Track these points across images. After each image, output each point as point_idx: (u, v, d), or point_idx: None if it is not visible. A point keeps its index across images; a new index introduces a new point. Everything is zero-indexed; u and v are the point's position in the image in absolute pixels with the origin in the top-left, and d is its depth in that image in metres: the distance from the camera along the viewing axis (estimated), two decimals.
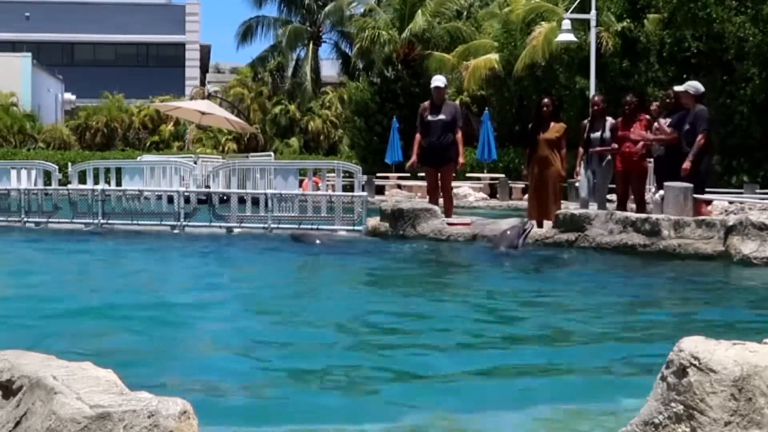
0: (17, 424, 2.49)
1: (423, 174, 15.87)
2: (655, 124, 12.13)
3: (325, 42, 46.57)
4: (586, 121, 12.92)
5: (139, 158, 22.49)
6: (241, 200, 14.20)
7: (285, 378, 4.71)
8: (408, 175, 26.62)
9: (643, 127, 12.13)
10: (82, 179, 15.39)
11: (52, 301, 7.02)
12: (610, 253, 10.16)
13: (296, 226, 13.35)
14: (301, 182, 15.66)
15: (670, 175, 11.24)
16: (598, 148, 12.32)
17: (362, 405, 4.16)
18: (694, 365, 2.41)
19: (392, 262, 10.42)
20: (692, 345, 2.47)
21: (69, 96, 51.49)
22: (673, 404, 2.44)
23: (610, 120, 12.47)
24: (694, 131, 11.28)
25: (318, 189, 16.46)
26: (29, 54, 45.13)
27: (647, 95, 19.86)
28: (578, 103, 23.74)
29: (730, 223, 9.46)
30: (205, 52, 59.01)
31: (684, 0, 21.12)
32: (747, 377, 2.38)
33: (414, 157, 12.59)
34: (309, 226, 13.31)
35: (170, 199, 14.39)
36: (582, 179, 12.61)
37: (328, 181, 18.12)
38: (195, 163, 20.54)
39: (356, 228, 13.18)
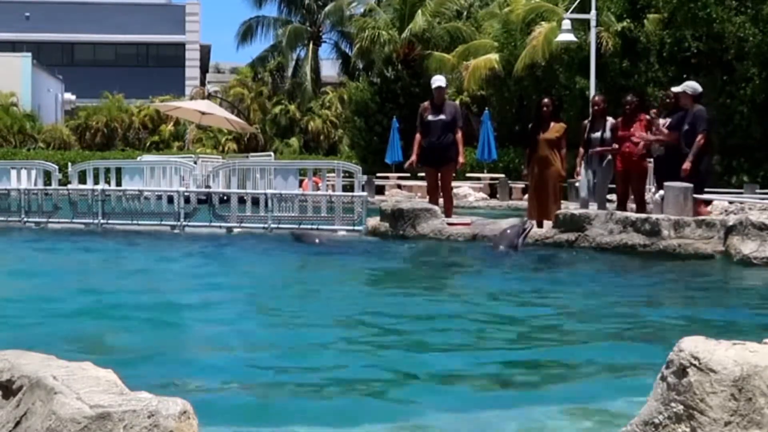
0: (17, 424, 2.49)
1: (423, 174, 15.88)
2: (655, 123, 12.13)
3: (325, 42, 46.61)
4: (586, 122, 12.93)
5: (139, 158, 22.49)
6: (241, 200, 14.21)
7: (285, 378, 4.71)
8: (408, 175, 26.62)
9: (642, 127, 12.13)
10: (82, 179, 15.40)
11: (52, 301, 7.03)
12: (610, 253, 10.16)
13: (296, 226, 13.35)
14: (301, 182, 15.66)
15: (670, 175, 11.24)
16: (599, 149, 12.32)
17: (362, 405, 4.16)
18: (694, 365, 2.41)
19: (392, 262, 10.42)
20: (692, 345, 2.47)
21: (69, 96, 51.49)
22: (673, 404, 2.44)
23: (610, 120, 12.47)
24: (694, 131, 11.28)
25: (318, 189, 16.46)
26: (29, 54, 45.13)
27: (647, 95, 19.87)
28: (578, 103, 23.74)
29: (730, 223, 9.46)
30: (205, 52, 59.01)
31: (684, 0, 21.11)
32: (747, 377, 2.38)
33: (414, 157, 12.59)
34: (309, 226, 13.31)
35: (170, 199, 14.39)
36: (582, 179, 12.60)
37: (328, 181, 18.12)
38: (195, 163, 20.54)
39: (356, 228, 13.18)
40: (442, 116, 12.28)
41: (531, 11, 27.17)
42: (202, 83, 54.39)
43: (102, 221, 14.29)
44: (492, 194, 25.97)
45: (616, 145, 12.20)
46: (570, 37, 21.84)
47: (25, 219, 14.84)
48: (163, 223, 14.21)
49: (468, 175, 27.05)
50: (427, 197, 13.07)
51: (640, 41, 22.84)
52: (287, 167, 15.41)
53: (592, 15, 21.78)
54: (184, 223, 13.99)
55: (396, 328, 6.15)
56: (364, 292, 8.18)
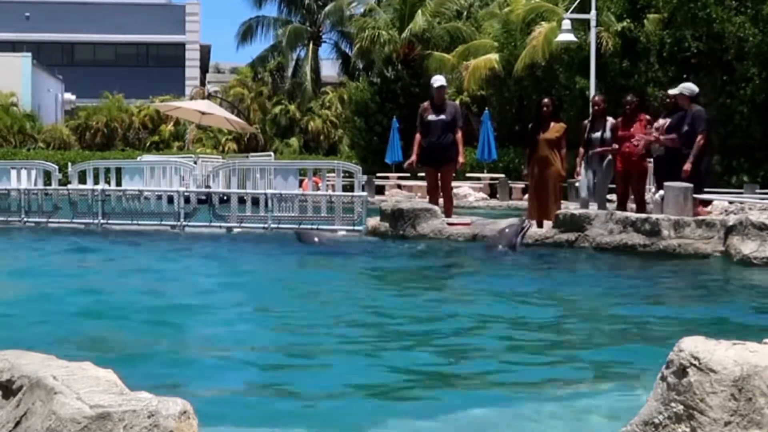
0: (17, 424, 2.49)
1: (423, 174, 15.88)
2: (655, 123, 12.14)
3: (325, 42, 46.60)
4: (586, 122, 12.93)
5: (139, 158, 22.48)
6: (241, 200, 14.21)
7: (285, 378, 4.71)
8: (408, 175, 26.62)
9: (642, 127, 12.13)
10: (82, 179, 15.40)
11: (52, 301, 7.03)
12: (610, 253, 10.16)
13: (297, 226, 13.35)
14: (301, 182, 15.67)
15: (670, 176, 11.25)
16: (599, 149, 12.32)
17: (363, 406, 4.16)
18: (694, 365, 2.41)
19: (392, 262, 10.42)
20: (692, 345, 2.47)
21: (69, 96, 51.48)
22: (673, 404, 2.44)
23: (610, 120, 12.47)
24: (693, 132, 11.29)
25: (318, 189, 16.46)
26: (29, 54, 45.12)
27: (647, 95, 19.87)
28: (578, 103, 23.73)
29: (730, 223, 9.46)
30: (205, 52, 59.01)
31: (684, 0, 21.11)
32: (747, 377, 2.38)
33: (413, 157, 12.59)
34: (309, 226, 13.31)
35: (170, 199, 14.40)
36: (582, 179, 12.60)
37: (328, 181, 18.12)
38: (195, 163, 20.54)
39: (356, 228, 13.18)
40: (442, 116, 12.27)
41: (531, 11, 27.17)
42: (202, 83, 54.39)
43: (102, 221, 14.29)
44: (492, 194, 25.97)
45: (616, 145, 12.20)
46: (570, 37, 21.84)
47: (25, 219, 14.84)
48: (163, 223, 14.22)
49: (468, 175, 27.05)
50: (427, 197, 13.06)
51: (640, 41, 22.83)
52: (287, 167, 15.41)
53: (592, 15, 21.78)
54: (184, 223, 14.00)
55: (396, 329, 6.15)
56: (363, 292, 8.17)
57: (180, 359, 5.14)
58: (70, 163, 18.58)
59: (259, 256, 11.11)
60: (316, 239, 12.13)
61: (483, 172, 27.76)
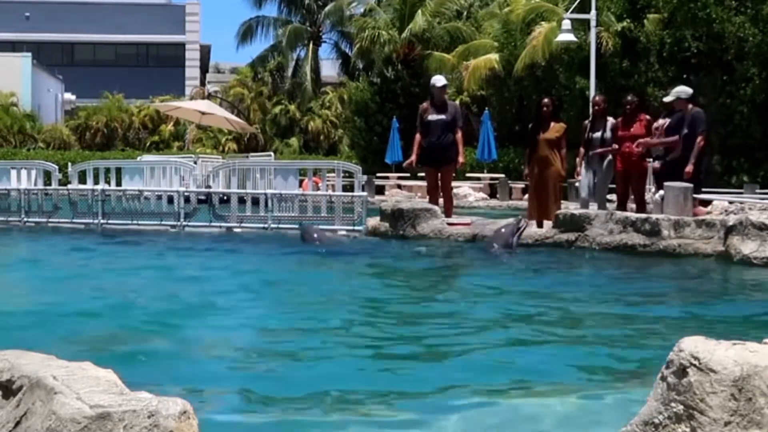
0: (17, 424, 2.49)
1: (423, 174, 15.87)
2: (654, 123, 12.14)
3: (325, 42, 46.62)
4: (587, 122, 12.95)
5: (139, 158, 22.49)
6: (241, 200, 14.21)
7: (285, 379, 4.71)
8: (408, 175, 26.63)
9: (643, 127, 12.13)
10: (82, 179, 15.40)
11: (52, 301, 7.03)
12: (610, 253, 10.16)
13: (296, 226, 13.35)
14: (301, 182, 15.67)
15: (669, 176, 11.27)
16: (599, 150, 12.33)
17: (363, 407, 4.15)
18: (694, 365, 2.41)
19: (392, 262, 10.42)
20: (692, 345, 2.47)
21: (69, 96, 51.49)
22: (673, 404, 2.44)
23: (611, 120, 12.47)
24: (693, 134, 11.30)
25: (318, 189, 16.46)
26: (29, 54, 45.13)
27: (647, 95, 19.87)
28: (578, 103, 23.74)
29: (730, 223, 9.46)
30: (205, 52, 59.02)
31: (684, 0, 21.11)
32: (747, 377, 2.38)
33: (413, 156, 12.59)
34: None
35: (170, 199, 14.40)
36: (583, 179, 12.61)
37: (328, 181, 18.12)
38: (195, 163, 20.55)
39: (356, 228, 13.18)
40: (442, 116, 12.27)
41: (531, 11, 27.18)
42: (202, 83, 54.40)
43: (102, 221, 14.30)
44: (492, 194, 25.97)
45: (615, 146, 12.20)
46: (570, 37, 21.84)
47: (25, 219, 14.85)
48: (163, 223, 14.22)
49: (468, 175, 27.05)
50: (427, 197, 13.06)
51: (640, 41, 22.84)
52: (287, 167, 15.41)
53: (592, 15, 21.78)
54: (184, 223, 14.00)
55: (395, 329, 6.15)
56: (363, 292, 8.17)
57: (180, 359, 5.14)
58: (70, 163, 18.58)
59: (258, 257, 11.11)
60: (315, 235, 12.12)
61: (483, 172, 27.76)
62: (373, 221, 12.54)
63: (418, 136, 12.47)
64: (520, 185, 23.98)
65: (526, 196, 14.72)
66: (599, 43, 22.84)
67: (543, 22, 26.14)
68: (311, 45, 44.94)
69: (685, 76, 19.93)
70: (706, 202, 12.41)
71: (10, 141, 39.45)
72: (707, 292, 8.04)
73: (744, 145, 20.34)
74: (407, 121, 25.15)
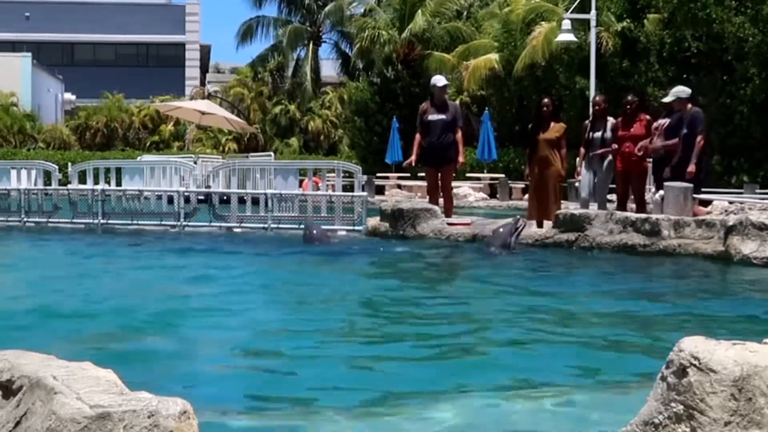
0: (17, 424, 2.49)
1: (423, 174, 15.87)
2: (654, 123, 12.15)
3: (325, 42, 46.61)
4: (587, 122, 12.95)
5: (139, 158, 22.49)
6: (241, 200, 14.21)
7: (286, 379, 4.71)
8: (408, 175, 26.63)
9: (643, 127, 12.14)
10: (82, 179, 15.40)
11: (52, 301, 7.02)
12: (610, 253, 10.16)
13: (296, 226, 13.36)
14: (301, 182, 15.67)
15: (670, 179, 11.27)
16: (600, 151, 12.33)
17: (363, 406, 4.15)
18: (694, 365, 2.41)
19: (391, 262, 10.42)
20: (692, 345, 2.47)
21: (69, 96, 51.49)
22: (673, 404, 2.44)
23: (611, 120, 12.48)
24: (692, 133, 11.30)
25: (318, 189, 16.46)
26: (29, 54, 45.13)
27: (647, 95, 19.88)
28: (578, 103, 23.74)
29: (730, 223, 9.45)
30: (205, 52, 59.02)
31: (684, 0, 21.11)
32: (747, 377, 2.38)
33: (413, 156, 12.58)
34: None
35: (170, 199, 14.40)
36: (583, 179, 12.61)
37: (328, 181, 18.12)
38: (195, 163, 20.54)
39: (356, 228, 13.18)
40: (442, 116, 12.27)
41: (531, 11, 27.18)
42: (202, 83, 54.40)
43: (102, 221, 14.30)
44: (492, 194, 25.97)
45: (615, 146, 12.20)
46: (570, 37, 21.84)
47: (25, 219, 14.85)
48: (163, 223, 14.22)
49: (468, 175, 27.05)
50: (427, 197, 13.06)
51: (640, 41, 22.84)
52: (287, 167, 15.41)
53: (592, 15, 21.78)
54: (184, 223, 14.01)
55: (394, 329, 6.15)
56: (362, 292, 8.17)
57: (180, 359, 5.14)
58: (70, 163, 18.58)
59: (259, 257, 11.11)
60: (315, 231, 12.13)
61: (483, 172, 27.76)
62: (373, 221, 12.54)
63: (418, 136, 12.47)
64: (520, 185, 23.98)
65: (526, 196, 14.72)
66: (599, 43, 22.84)
67: (543, 22, 26.14)
68: (311, 45, 44.94)
69: (685, 76, 19.92)
70: (706, 202, 12.42)
71: (10, 141, 39.45)
72: (707, 292, 8.04)
73: (744, 145, 20.34)
74: (407, 121, 25.15)
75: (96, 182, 14.91)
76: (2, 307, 6.61)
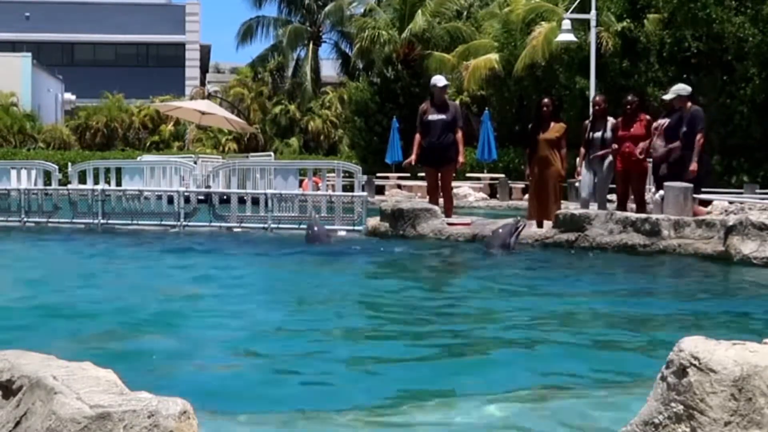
0: (17, 424, 2.49)
1: (423, 174, 15.87)
2: (654, 123, 12.15)
3: (325, 42, 46.61)
4: (587, 122, 12.96)
5: (139, 158, 22.49)
6: (241, 200, 14.21)
7: (286, 379, 4.71)
8: (408, 175, 26.63)
9: (643, 127, 12.14)
10: (82, 179, 15.40)
11: (52, 301, 7.03)
12: (610, 253, 10.16)
13: (296, 227, 13.36)
14: (301, 182, 15.67)
15: (669, 176, 11.27)
16: (600, 153, 12.34)
17: (363, 406, 4.15)
18: (694, 365, 2.41)
19: (391, 262, 10.42)
20: (692, 345, 2.47)
21: (69, 96, 51.49)
22: (673, 404, 2.44)
23: (611, 120, 12.48)
24: (692, 132, 11.30)
25: (318, 189, 16.46)
26: (29, 54, 45.13)
27: (647, 95, 19.87)
28: (578, 103, 23.74)
29: (730, 223, 9.45)
30: (205, 52, 59.01)
31: (684, 0, 21.11)
32: (747, 377, 2.38)
33: (413, 156, 12.58)
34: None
35: (170, 199, 14.40)
36: (583, 179, 12.61)
37: (328, 181, 18.12)
38: (195, 163, 20.54)
39: (356, 228, 13.18)
40: (442, 116, 12.27)
41: (531, 11, 27.18)
42: (202, 83, 54.40)
43: (102, 221, 14.30)
44: (492, 194, 25.97)
45: (615, 146, 12.20)
46: (570, 37, 21.84)
47: (25, 219, 14.85)
48: (163, 223, 14.22)
49: (468, 175, 27.05)
50: (427, 197, 13.06)
51: (640, 41, 22.84)
52: (287, 167, 15.41)
53: (592, 15, 21.78)
54: (184, 223, 14.01)
55: (394, 330, 6.15)
56: (362, 292, 8.17)
57: (180, 359, 5.13)
58: (70, 163, 18.58)
59: (258, 257, 11.11)
60: (316, 227, 12.14)
61: (483, 172, 27.76)
62: (373, 221, 12.54)
63: (417, 136, 12.47)
64: (520, 185, 23.97)
65: (526, 196, 14.72)
66: (599, 43, 22.84)
67: (543, 22, 26.14)
68: (311, 45, 44.94)
69: (685, 76, 19.91)
70: (706, 202, 12.41)
71: (10, 141, 39.45)
72: (707, 292, 8.04)
73: (744, 145, 20.34)
74: (407, 121, 25.15)
75: (96, 182, 14.91)
76: (2, 307, 6.61)
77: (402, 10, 33.06)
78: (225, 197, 14.30)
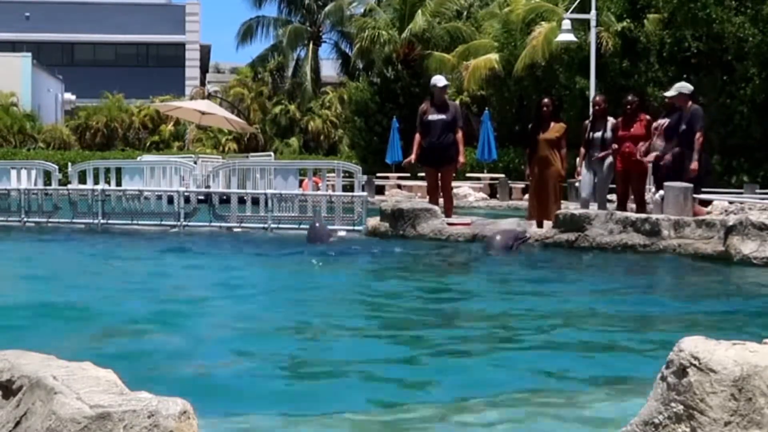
0: (17, 424, 2.49)
1: (423, 174, 15.86)
2: (654, 123, 12.15)
3: (325, 42, 46.61)
4: (587, 122, 12.96)
5: (139, 158, 22.48)
6: (241, 200, 14.21)
7: (286, 379, 4.71)
8: (408, 175, 26.63)
9: (643, 127, 12.14)
10: (82, 179, 15.40)
11: (52, 301, 7.02)
12: (610, 253, 10.16)
13: (296, 226, 13.36)
14: (301, 182, 15.67)
15: (668, 176, 11.26)
16: (601, 154, 12.33)
17: (363, 406, 4.16)
18: (694, 365, 2.41)
19: (391, 262, 10.41)
20: (692, 345, 2.47)
21: (69, 96, 51.48)
22: (673, 404, 2.44)
23: (611, 120, 12.48)
24: (691, 131, 11.30)
25: (318, 189, 16.46)
26: (29, 54, 45.12)
27: (647, 95, 19.86)
28: (578, 103, 23.74)
29: (730, 223, 9.45)
30: (205, 52, 59.01)
31: (684, 0, 21.11)
32: (747, 377, 2.38)
33: (412, 155, 12.58)
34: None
35: (170, 199, 14.40)
36: (583, 179, 12.61)
37: (328, 181, 18.11)
38: (195, 163, 20.54)
39: (356, 228, 13.18)
40: (442, 116, 12.27)
41: (531, 11, 27.18)
42: (202, 83, 54.39)
43: (102, 221, 14.30)
44: (492, 194, 25.97)
45: (615, 146, 12.20)
46: (570, 37, 21.84)
47: (25, 219, 14.85)
48: (163, 223, 14.22)
49: (468, 175, 27.05)
50: (427, 197, 13.06)
51: (640, 41, 22.83)
52: (287, 167, 15.41)
53: (592, 15, 21.78)
54: (184, 223, 14.00)
55: (395, 330, 6.15)
56: (362, 292, 8.18)
57: (180, 359, 5.13)
58: (70, 163, 18.58)
59: (258, 257, 11.11)
60: (317, 225, 12.13)
61: (483, 172, 27.76)
62: (373, 221, 12.54)
63: (417, 136, 12.47)
64: (520, 185, 23.97)
65: (526, 196, 14.72)
66: (599, 43, 22.84)
67: (543, 22, 26.14)
68: (311, 45, 44.94)
69: (685, 76, 19.89)
70: (706, 202, 12.41)
71: (10, 141, 39.44)
72: (707, 291, 8.04)
73: (744, 145, 20.34)
74: (407, 121, 25.15)
75: (96, 182, 14.91)
76: (2, 307, 6.61)
77: (402, 10, 33.06)
78: (225, 197, 14.30)
